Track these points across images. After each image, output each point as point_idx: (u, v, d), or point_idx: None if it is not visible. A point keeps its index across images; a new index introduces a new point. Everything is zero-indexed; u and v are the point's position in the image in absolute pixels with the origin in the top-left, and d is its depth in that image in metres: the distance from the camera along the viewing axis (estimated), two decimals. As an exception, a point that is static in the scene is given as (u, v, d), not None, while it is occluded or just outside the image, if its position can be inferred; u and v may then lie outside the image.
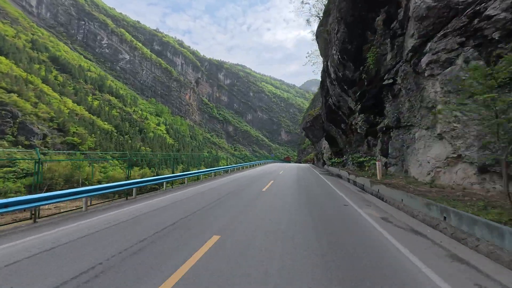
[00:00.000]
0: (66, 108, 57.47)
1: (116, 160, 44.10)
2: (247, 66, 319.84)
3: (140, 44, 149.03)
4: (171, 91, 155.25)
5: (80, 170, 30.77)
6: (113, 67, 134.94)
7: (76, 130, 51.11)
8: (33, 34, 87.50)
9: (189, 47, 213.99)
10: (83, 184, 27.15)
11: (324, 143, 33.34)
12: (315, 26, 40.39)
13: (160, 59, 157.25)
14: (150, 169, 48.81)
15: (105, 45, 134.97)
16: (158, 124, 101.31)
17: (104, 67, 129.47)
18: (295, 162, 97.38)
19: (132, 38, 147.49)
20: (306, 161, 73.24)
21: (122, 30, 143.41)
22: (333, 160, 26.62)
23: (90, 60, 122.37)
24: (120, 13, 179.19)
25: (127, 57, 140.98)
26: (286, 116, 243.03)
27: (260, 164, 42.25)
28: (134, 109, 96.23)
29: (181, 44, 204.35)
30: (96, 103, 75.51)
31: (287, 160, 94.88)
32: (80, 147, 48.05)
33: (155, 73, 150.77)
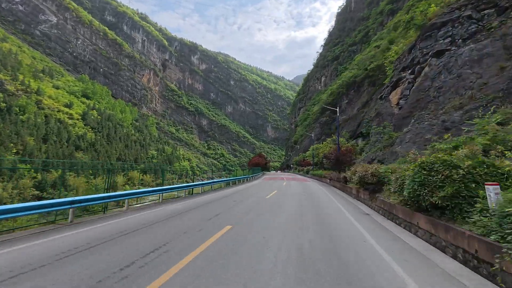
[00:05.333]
0: None
1: None
2: (230, 56, 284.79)
3: (74, 4, 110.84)
4: (119, 70, 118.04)
5: None
6: (30, 30, 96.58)
7: None
8: None
9: (156, 23, 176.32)
10: None
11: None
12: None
13: (105, 28, 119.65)
14: None
15: (18, 0, 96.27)
16: (69, 106, 64.91)
17: (13, 29, 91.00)
18: (281, 169, 59.85)
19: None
20: (303, 165, 38.15)
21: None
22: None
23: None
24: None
25: (54, 19, 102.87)
26: (273, 109, 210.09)
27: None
28: (25, 79, 59.49)
29: (144, 18, 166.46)
30: None
31: (253, 165, 45.21)
32: None
33: (96, 45, 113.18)
